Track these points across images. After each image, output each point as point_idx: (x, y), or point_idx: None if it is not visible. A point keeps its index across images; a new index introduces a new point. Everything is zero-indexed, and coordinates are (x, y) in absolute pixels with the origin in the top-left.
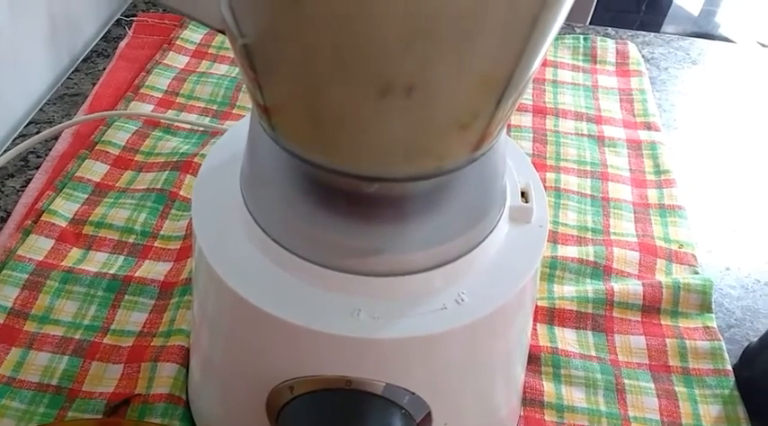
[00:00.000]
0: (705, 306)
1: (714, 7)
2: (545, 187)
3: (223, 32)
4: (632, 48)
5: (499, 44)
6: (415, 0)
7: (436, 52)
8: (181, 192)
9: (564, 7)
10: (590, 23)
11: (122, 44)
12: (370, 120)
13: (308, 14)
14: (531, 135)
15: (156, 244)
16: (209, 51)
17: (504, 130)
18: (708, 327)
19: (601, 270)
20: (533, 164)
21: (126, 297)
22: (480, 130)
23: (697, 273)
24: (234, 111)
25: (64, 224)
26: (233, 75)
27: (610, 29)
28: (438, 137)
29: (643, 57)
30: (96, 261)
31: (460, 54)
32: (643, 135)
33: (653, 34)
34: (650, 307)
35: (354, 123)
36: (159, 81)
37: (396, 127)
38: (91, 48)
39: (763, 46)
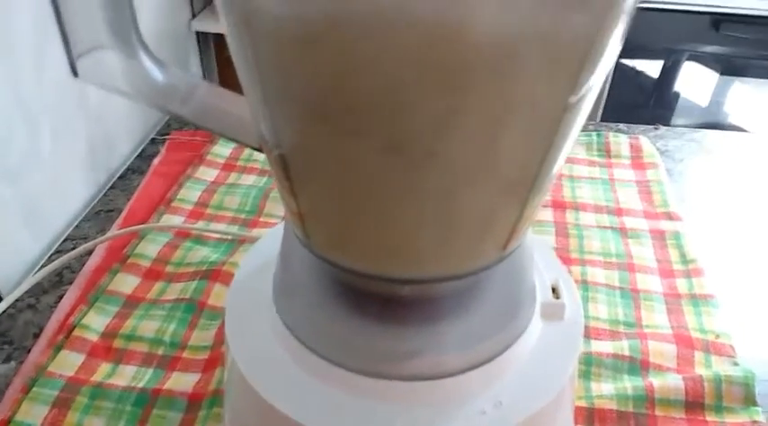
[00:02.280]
0: (749, 400)
1: (722, 98)
2: None
3: (260, 150)
4: (645, 142)
5: (524, 146)
6: (439, 115)
7: (465, 158)
8: (209, 301)
9: (585, 107)
10: (601, 120)
11: (156, 161)
12: (401, 226)
13: (338, 133)
14: (554, 229)
15: (184, 355)
16: (238, 164)
17: (531, 228)
18: (755, 422)
19: (638, 364)
20: (558, 258)
21: (154, 411)
22: (508, 229)
23: (737, 364)
24: (261, 219)
25: (95, 338)
26: (260, 184)
27: (621, 124)
28: (467, 239)
29: (657, 149)
30: (126, 375)
31: (487, 158)
32: (665, 225)
33: (665, 128)
34: (694, 403)
35: (387, 229)
36: (190, 194)
37: (427, 230)
38: (126, 165)
39: None
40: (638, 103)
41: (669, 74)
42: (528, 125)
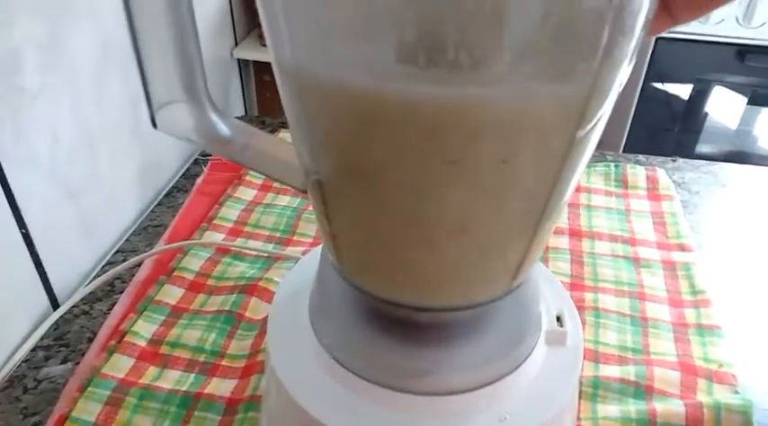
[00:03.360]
0: None
1: (749, 127)
2: (584, 307)
3: (304, 192)
4: (661, 174)
5: (534, 180)
6: (455, 158)
7: (480, 194)
8: (246, 314)
9: (593, 139)
10: (625, 144)
11: (199, 180)
12: (422, 258)
13: (365, 175)
14: (569, 256)
15: (223, 363)
16: (274, 185)
17: (538, 260)
18: None
19: (642, 389)
20: (572, 284)
21: (195, 413)
22: (519, 260)
23: (737, 393)
24: (294, 238)
25: (144, 344)
26: (294, 205)
27: (640, 156)
28: (481, 270)
29: (674, 181)
30: (171, 379)
31: (501, 193)
32: (677, 256)
33: (682, 160)
34: None
35: (408, 260)
36: (230, 212)
37: (444, 263)
38: (172, 184)
39: None
40: (664, 127)
41: (697, 99)
42: (538, 160)
